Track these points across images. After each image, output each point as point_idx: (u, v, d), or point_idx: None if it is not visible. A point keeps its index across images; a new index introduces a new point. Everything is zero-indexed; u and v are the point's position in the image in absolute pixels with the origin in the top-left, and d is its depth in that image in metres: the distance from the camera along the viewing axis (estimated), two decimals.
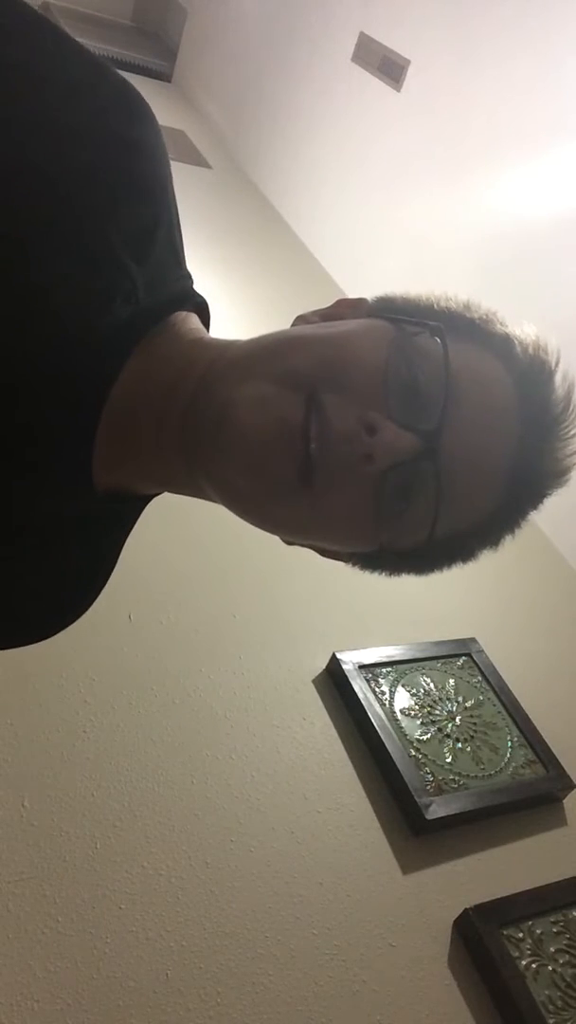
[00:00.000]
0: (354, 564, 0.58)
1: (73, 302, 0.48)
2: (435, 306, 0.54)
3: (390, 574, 0.58)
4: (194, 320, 0.57)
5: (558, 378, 0.53)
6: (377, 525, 0.50)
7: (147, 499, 0.60)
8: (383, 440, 0.47)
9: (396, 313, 0.53)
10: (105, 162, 0.49)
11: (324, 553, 0.58)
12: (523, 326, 0.55)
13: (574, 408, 0.53)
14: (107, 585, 0.66)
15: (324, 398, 0.47)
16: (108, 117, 0.49)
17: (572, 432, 0.53)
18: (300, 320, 0.57)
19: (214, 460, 0.50)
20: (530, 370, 0.52)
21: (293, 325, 0.57)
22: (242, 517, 0.52)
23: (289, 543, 0.57)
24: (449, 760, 1.63)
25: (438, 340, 0.50)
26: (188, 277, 0.58)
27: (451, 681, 1.81)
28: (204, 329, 0.58)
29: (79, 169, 0.48)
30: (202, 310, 0.59)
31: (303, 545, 0.57)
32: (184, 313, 0.57)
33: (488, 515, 0.54)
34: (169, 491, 0.58)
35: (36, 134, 0.46)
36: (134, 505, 0.59)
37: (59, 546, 0.58)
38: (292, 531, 0.54)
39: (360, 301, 0.57)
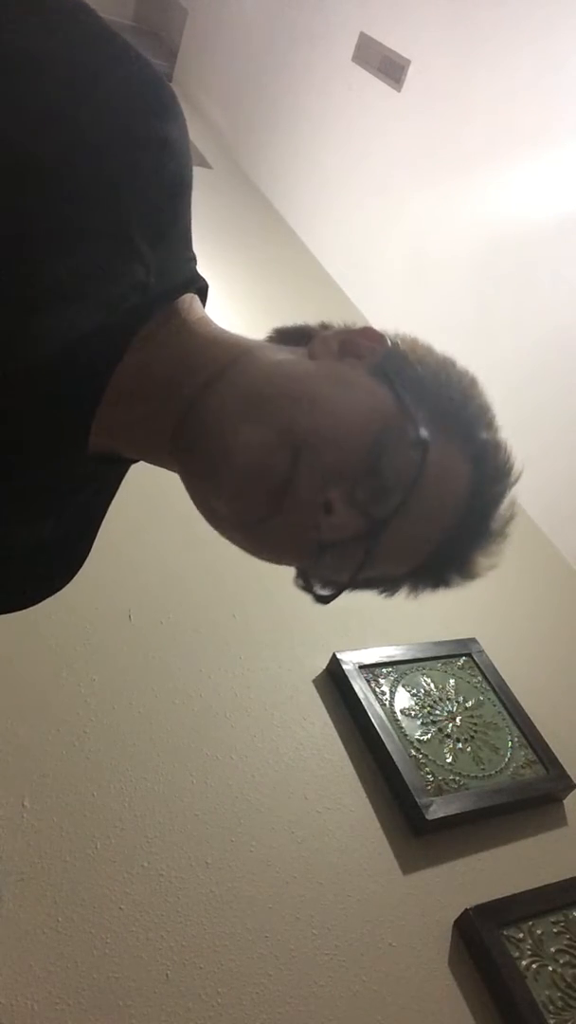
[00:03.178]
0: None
1: (86, 285, 0.51)
2: (438, 388, 0.58)
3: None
4: (197, 306, 0.61)
5: (507, 501, 0.59)
6: (305, 565, 0.59)
7: (127, 463, 0.65)
8: (333, 522, 0.54)
9: (404, 388, 0.57)
10: (133, 156, 0.51)
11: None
12: (503, 435, 0.60)
13: (506, 530, 0.60)
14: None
15: (305, 461, 0.53)
16: (141, 115, 0.51)
17: (495, 550, 0.60)
18: (320, 336, 0.60)
19: (203, 477, 0.56)
20: (489, 484, 0.58)
21: (315, 337, 0.60)
22: (196, 505, 0.58)
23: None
24: (449, 760, 1.63)
25: (420, 452, 0.55)
26: (194, 259, 0.61)
27: (451, 681, 1.81)
28: (207, 317, 0.61)
29: (103, 161, 0.49)
30: (203, 291, 0.62)
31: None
32: (189, 297, 0.60)
33: (401, 577, 0.61)
34: (146, 461, 0.62)
35: (63, 126, 0.48)
36: (117, 468, 0.64)
37: (54, 508, 0.62)
38: (234, 543, 0.60)
39: (380, 341, 0.60)
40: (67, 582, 0.68)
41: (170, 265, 0.56)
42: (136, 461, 0.64)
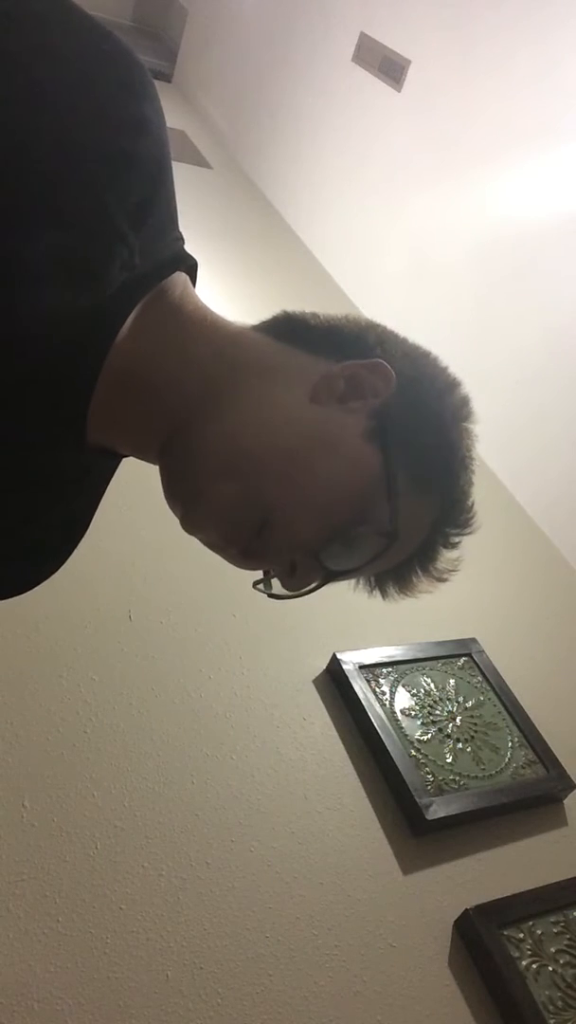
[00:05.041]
0: None
1: (70, 266, 0.50)
2: (431, 439, 0.60)
3: None
4: (191, 292, 0.61)
5: (458, 552, 0.64)
6: (264, 576, 0.64)
7: (119, 458, 0.67)
8: (295, 579, 0.59)
9: (395, 460, 0.58)
10: (109, 138, 0.50)
11: None
12: (473, 471, 0.64)
13: (448, 575, 0.65)
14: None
15: (272, 531, 0.56)
16: (116, 96, 0.51)
17: (436, 584, 0.65)
18: (326, 375, 0.59)
19: (177, 501, 0.60)
20: (448, 528, 0.62)
21: (321, 368, 0.60)
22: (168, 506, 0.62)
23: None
24: (449, 760, 1.63)
25: (387, 540, 0.58)
26: (181, 238, 0.61)
27: (451, 681, 1.81)
28: (203, 306, 0.62)
29: (79, 144, 0.49)
30: (192, 269, 0.63)
31: None
32: (181, 279, 0.60)
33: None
34: (139, 459, 0.65)
35: (34, 109, 0.47)
36: (110, 463, 0.66)
37: (50, 498, 0.64)
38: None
39: (387, 380, 0.59)
40: (50, 575, 0.69)
41: (155, 245, 0.56)
42: (127, 456, 0.65)
